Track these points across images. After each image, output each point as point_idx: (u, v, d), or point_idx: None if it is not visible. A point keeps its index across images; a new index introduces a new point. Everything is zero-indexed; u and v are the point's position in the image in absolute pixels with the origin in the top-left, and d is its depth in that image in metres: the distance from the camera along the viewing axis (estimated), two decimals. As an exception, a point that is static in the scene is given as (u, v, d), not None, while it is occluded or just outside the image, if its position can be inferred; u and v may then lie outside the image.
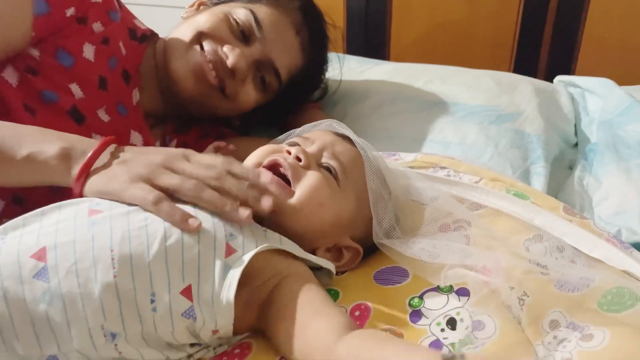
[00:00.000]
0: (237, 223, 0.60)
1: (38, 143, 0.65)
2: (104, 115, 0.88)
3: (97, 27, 0.86)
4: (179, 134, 1.01)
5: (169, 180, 0.61)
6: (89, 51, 0.85)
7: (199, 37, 0.91)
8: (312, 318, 0.56)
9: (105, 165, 0.64)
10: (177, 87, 0.92)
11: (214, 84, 0.92)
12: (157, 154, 0.64)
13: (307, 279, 0.62)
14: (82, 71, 0.84)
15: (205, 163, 0.63)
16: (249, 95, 0.96)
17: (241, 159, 0.72)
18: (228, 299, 0.56)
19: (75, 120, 0.83)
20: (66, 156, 0.64)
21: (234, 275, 0.57)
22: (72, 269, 0.54)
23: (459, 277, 0.62)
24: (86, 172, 0.63)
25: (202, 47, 0.91)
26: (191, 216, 0.58)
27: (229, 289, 0.56)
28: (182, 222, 0.57)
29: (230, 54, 0.90)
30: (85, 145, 0.65)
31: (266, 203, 0.62)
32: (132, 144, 0.91)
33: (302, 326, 0.56)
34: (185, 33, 0.92)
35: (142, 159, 0.63)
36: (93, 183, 0.63)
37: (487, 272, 0.62)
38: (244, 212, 0.60)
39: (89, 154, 0.63)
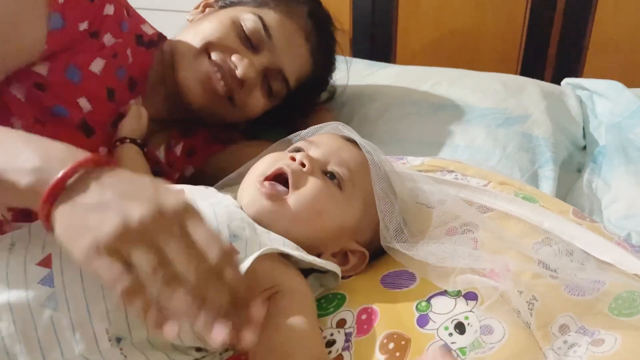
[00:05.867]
0: (208, 343, 0.47)
1: (13, 156, 0.52)
2: (109, 127, 0.87)
3: (108, 39, 0.86)
4: (186, 137, 1.01)
5: (140, 260, 0.46)
6: (97, 65, 0.84)
7: (207, 47, 0.90)
8: (285, 342, 0.55)
9: (78, 200, 0.48)
10: (186, 97, 0.92)
11: (223, 94, 0.91)
12: (144, 202, 0.48)
13: (302, 298, 0.61)
14: (89, 85, 0.83)
15: (199, 248, 0.48)
16: (257, 103, 0.96)
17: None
18: None
19: (85, 133, 0.83)
20: (39, 176, 0.50)
21: None
22: (76, 274, 0.54)
23: (468, 283, 0.61)
24: (51, 199, 0.48)
25: (209, 57, 0.90)
26: (167, 322, 0.46)
27: None
28: (156, 327, 0.46)
29: (239, 64, 0.89)
30: (64, 159, 0.50)
31: (247, 337, 0.48)
32: None
33: (272, 347, 0.55)
34: (192, 42, 0.91)
35: (123, 206, 0.47)
36: (58, 224, 0.48)
37: (495, 276, 0.62)
38: (219, 335, 0.46)
39: (58, 176, 0.49)
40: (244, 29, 0.91)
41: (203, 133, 1.03)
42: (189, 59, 0.91)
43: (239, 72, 0.89)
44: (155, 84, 0.94)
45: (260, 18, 0.92)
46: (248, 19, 0.91)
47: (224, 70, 0.90)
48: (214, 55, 0.90)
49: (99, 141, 0.85)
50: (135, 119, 0.88)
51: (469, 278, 0.62)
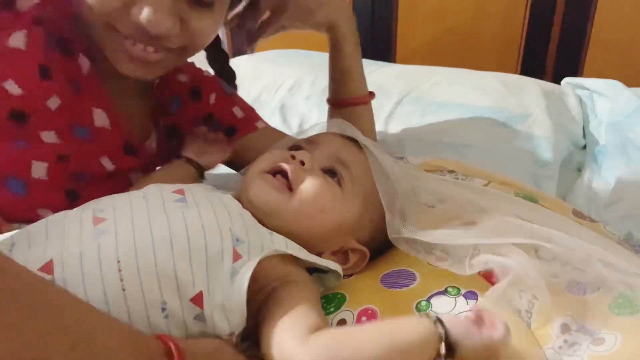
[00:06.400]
0: None
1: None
2: (53, 103, 0.73)
3: (24, 2, 0.71)
4: (164, 116, 0.88)
5: None
6: (17, 39, 0.70)
7: (107, 22, 0.70)
8: (283, 320, 0.54)
9: None
10: (137, 79, 0.78)
11: (160, 57, 0.74)
12: None
13: (304, 285, 0.61)
14: (12, 64, 0.70)
15: None
16: (203, 28, 0.73)
17: (261, 153, 0.71)
18: (239, 304, 0.55)
19: (17, 121, 0.71)
20: None
21: (242, 280, 0.56)
22: (79, 283, 0.53)
23: (484, 264, 0.61)
24: None
25: (117, 30, 0.70)
26: None
27: (238, 294, 0.55)
28: None
29: (142, 17, 0.67)
30: None
31: None
32: (99, 128, 0.78)
33: (274, 329, 0.54)
34: (92, 18, 0.70)
35: None
36: None
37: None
38: None
39: None
40: None
41: (187, 113, 0.91)
42: (104, 40, 0.72)
43: (149, 28, 0.68)
44: (89, 39, 0.75)
45: None
46: None
47: (140, 37, 0.70)
48: (119, 26, 0.70)
49: (37, 126, 0.72)
50: (221, 157, 0.87)
51: (484, 258, 0.62)
